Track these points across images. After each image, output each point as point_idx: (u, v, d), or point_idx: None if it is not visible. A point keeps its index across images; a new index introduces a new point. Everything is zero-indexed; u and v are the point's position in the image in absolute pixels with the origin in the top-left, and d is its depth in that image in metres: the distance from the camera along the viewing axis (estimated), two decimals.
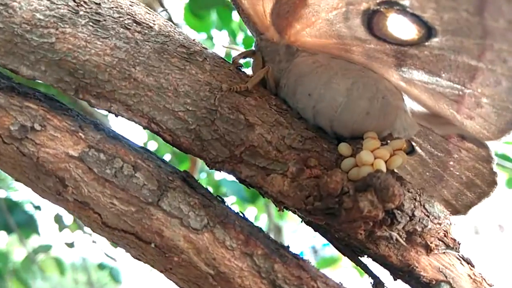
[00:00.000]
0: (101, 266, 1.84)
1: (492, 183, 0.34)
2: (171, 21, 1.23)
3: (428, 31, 0.24)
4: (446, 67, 0.26)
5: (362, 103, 0.30)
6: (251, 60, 0.36)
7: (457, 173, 0.34)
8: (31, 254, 1.70)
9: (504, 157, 1.04)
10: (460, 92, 0.26)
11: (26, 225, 1.53)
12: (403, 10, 0.24)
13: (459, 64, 0.25)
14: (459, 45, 0.24)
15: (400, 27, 0.25)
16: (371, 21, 0.26)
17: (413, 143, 0.36)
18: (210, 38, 1.35)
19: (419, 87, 0.29)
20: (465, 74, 0.25)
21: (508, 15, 0.21)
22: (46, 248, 1.76)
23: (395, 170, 0.39)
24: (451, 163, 0.34)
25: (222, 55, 0.34)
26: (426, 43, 0.25)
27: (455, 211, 0.36)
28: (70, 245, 1.70)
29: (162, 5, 1.32)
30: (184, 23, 1.28)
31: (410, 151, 0.37)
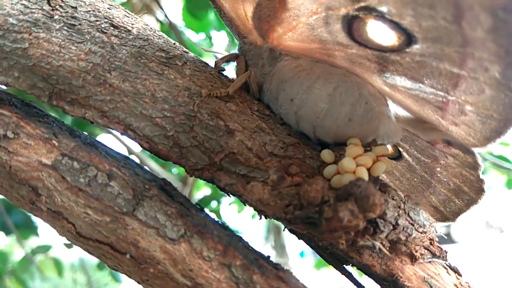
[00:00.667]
0: (100, 266, 1.83)
1: (480, 191, 0.33)
2: (169, 21, 1.22)
3: (408, 37, 0.23)
4: (429, 74, 0.25)
5: (344, 109, 0.29)
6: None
7: (445, 179, 0.34)
8: (29, 254, 1.70)
9: (502, 158, 1.04)
10: (444, 99, 0.25)
11: (25, 226, 1.53)
12: (381, 17, 0.23)
13: (441, 71, 0.24)
14: (440, 53, 0.23)
15: (380, 33, 0.24)
16: (351, 26, 0.25)
17: (400, 149, 0.35)
18: (209, 38, 1.35)
19: (403, 92, 0.28)
20: (447, 81, 0.24)
21: (486, 24, 0.20)
22: (45, 249, 1.75)
23: (383, 176, 0.38)
24: (438, 169, 0.33)
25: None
26: (407, 50, 0.24)
27: (444, 218, 0.35)
28: (69, 245, 1.70)
29: (160, 6, 1.31)
30: (183, 24, 1.27)
31: (397, 157, 0.36)
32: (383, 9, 0.22)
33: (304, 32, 0.28)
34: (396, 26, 0.23)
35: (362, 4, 0.23)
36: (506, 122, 0.24)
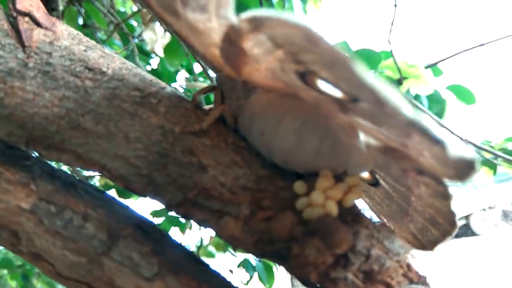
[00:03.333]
0: None
1: (452, 223, 0.32)
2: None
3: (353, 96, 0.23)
4: (383, 123, 0.25)
5: (311, 143, 0.29)
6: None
7: (420, 208, 0.34)
8: None
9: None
10: (403, 142, 0.26)
11: None
12: (324, 79, 0.23)
13: (392, 125, 0.24)
14: (384, 114, 0.23)
15: (329, 88, 0.24)
16: (304, 78, 0.25)
17: (377, 176, 0.35)
18: None
19: (368, 129, 0.28)
20: (401, 132, 0.24)
21: (402, 120, 0.20)
22: None
23: (367, 200, 0.38)
24: (413, 198, 0.33)
25: None
26: (357, 103, 0.24)
27: (422, 246, 0.35)
28: None
29: None
30: None
31: (375, 183, 0.36)
32: (323, 75, 0.23)
33: (268, 74, 0.29)
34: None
35: (305, 67, 0.23)
36: (462, 171, 0.24)
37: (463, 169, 0.22)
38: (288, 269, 0.29)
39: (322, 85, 0.24)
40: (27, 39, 0.31)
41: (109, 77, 0.32)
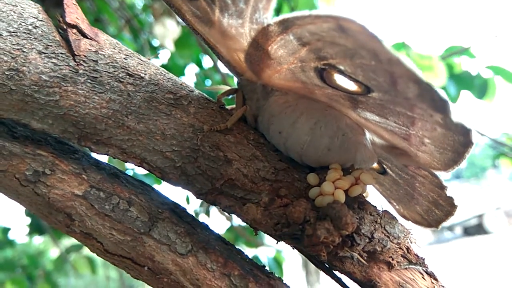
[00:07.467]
0: None
1: (453, 205, 0.37)
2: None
3: (367, 87, 0.28)
4: (390, 113, 0.29)
5: (323, 140, 0.34)
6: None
7: (424, 193, 0.38)
8: (64, 253, 1.81)
9: None
10: (407, 132, 0.30)
11: None
12: (342, 72, 0.28)
13: (398, 112, 0.28)
14: (393, 100, 0.27)
15: (345, 81, 0.29)
16: (322, 75, 0.30)
17: (384, 165, 0.40)
18: None
19: (374, 124, 0.32)
20: (406, 119, 0.29)
21: (414, 90, 0.25)
22: (78, 247, 1.86)
23: (377, 187, 0.43)
24: (417, 184, 0.38)
25: None
26: (369, 95, 0.29)
27: (429, 225, 0.40)
28: None
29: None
30: None
31: (383, 172, 0.40)
32: (341, 67, 0.27)
33: (288, 75, 0.33)
34: (354, 79, 0.28)
35: (326, 62, 0.28)
36: (459, 154, 0.29)
37: (462, 140, 0.27)
38: (302, 249, 0.34)
39: (339, 79, 0.29)
40: (76, 48, 0.36)
41: (147, 82, 0.36)
